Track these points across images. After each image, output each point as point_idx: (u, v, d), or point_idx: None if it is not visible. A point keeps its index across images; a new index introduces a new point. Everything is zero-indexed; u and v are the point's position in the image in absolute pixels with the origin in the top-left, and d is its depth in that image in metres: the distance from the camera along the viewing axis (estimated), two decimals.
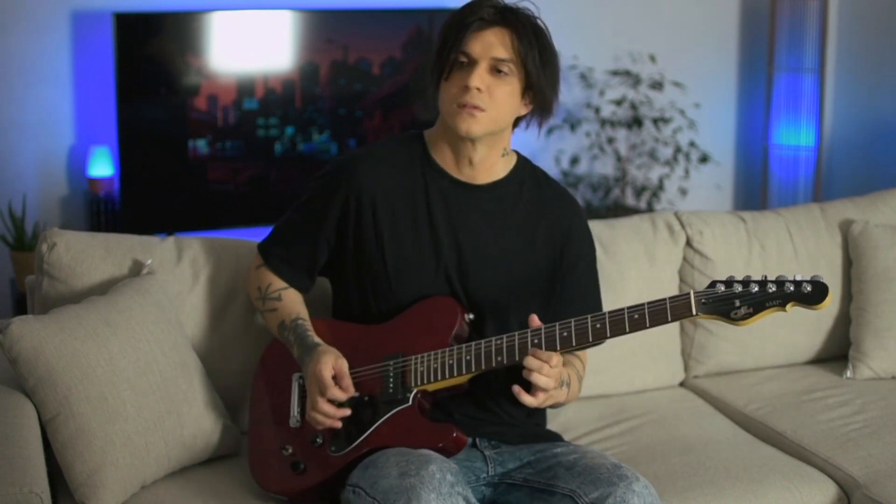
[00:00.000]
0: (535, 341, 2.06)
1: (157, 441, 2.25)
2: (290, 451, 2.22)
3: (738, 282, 2.00)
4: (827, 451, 2.58)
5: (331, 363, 2.13)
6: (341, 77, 4.50)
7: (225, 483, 2.33)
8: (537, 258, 2.26)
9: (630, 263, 2.86)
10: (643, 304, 2.04)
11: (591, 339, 2.06)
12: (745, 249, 2.98)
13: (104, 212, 4.25)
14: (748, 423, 2.77)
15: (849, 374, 2.97)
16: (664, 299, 2.03)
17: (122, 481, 2.20)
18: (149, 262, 2.49)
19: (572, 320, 2.06)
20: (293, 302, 2.29)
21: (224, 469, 2.38)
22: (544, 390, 2.05)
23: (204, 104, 4.31)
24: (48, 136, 4.34)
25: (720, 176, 5.34)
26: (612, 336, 2.05)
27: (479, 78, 2.10)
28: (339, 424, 2.14)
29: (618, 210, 4.90)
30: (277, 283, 2.31)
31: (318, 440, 2.18)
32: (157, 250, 2.53)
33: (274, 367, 2.34)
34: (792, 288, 1.97)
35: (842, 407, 2.78)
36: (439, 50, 2.15)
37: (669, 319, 2.02)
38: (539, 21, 2.17)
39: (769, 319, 2.94)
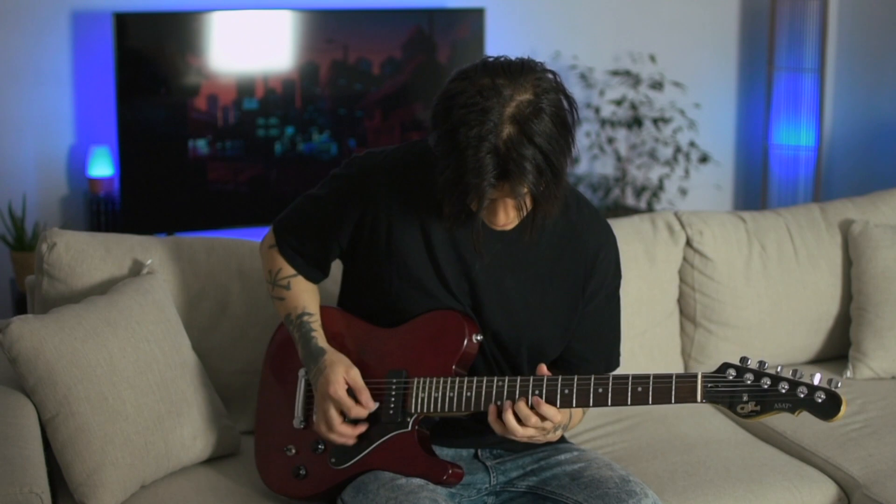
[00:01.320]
0: (536, 392, 1.99)
1: (157, 441, 2.25)
2: (293, 451, 2.20)
3: (750, 370, 1.89)
4: (827, 451, 2.58)
5: (342, 377, 2.09)
6: (341, 77, 4.50)
7: (225, 483, 2.33)
8: (559, 292, 2.15)
9: (630, 263, 2.86)
10: (648, 378, 1.95)
11: (591, 404, 1.99)
12: (745, 249, 2.98)
13: (104, 212, 4.25)
14: (748, 423, 2.77)
15: (849, 374, 2.97)
16: (671, 376, 1.94)
17: (122, 481, 2.20)
18: (149, 262, 2.48)
19: (575, 378, 1.99)
20: (301, 292, 2.23)
21: (224, 469, 2.38)
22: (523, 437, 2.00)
23: (204, 104, 4.31)
24: (48, 136, 4.34)
25: (720, 176, 5.34)
26: (614, 405, 1.97)
27: (504, 217, 1.97)
28: (353, 442, 2.11)
29: (618, 210, 4.90)
30: (287, 269, 2.23)
31: (319, 447, 2.17)
32: (157, 250, 2.52)
33: (283, 355, 2.30)
34: (805, 392, 1.85)
35: None
36: (451, 187, 1.93)
37: (673, 401, 1.93)
38: (546, 133, 1.87)
39: (769, 317, 2.97)
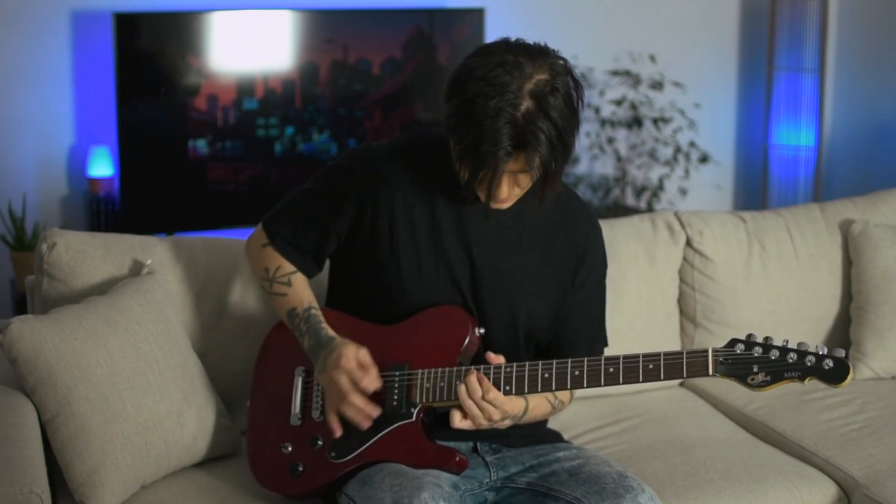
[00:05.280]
0: (546, 376, 2.03)
1: (157, 441, 2.25)
2: (290, 449, 2.20)
3: (759, 344, 1.96)
4: (827, 451, 2.58)
5: (353, 354, 2.10)
6: (341, 77, 4.50)
7: (225, 483, 2.33)
8: (552, 276, 2.21)
9: (630, 263, 2.86)
10: (659, 355, 2.00)
11: (602, 383, 2.02)
12: (745, 249, 2.98)
13: (104, 212, 4.25)
14: (748, 423, 2.77)
15: None
16: (681, 353, 1.99)
17: (122, 481, 2.20)
18: (149, 262, 2.49)
19: (585, 360, 2.03)
20: (303, 287, 2.24)
21: (224, 469, 2.38)
22: (471, 420, 2.04)
23: (204, 104, 4.31)
24: (48, 136, 4.34)
25: (720, 176, 5.35)
26: (625, 383, 2.01)
27: (507, 191, 2.03)
28: (367, 423, 2.10)
29: (618, 210, 4.90)
30: (287, 266, 2.24)
31: (318, 443, 2.17)
32: (157, 250, 2.52)
33: (277, 354, 2.30)
34: (813, 361, 1.93)
35: (842, 407, 2.78)
36: (466, 156, 1.99)
37: (685, 375, 1.98)
38: (561, 110, 1.97)
39: (769, 317, 2.97)
